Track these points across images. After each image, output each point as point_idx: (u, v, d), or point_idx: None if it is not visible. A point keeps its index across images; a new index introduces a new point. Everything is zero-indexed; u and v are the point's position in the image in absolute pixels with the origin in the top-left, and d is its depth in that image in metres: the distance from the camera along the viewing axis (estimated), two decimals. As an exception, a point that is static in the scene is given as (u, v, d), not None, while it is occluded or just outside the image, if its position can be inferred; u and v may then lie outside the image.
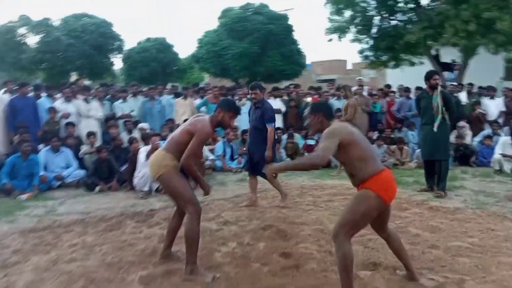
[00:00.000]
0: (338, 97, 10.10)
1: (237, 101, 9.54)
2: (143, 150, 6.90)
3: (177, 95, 9.76)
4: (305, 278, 3.38)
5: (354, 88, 10.13)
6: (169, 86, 11.65)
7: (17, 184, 6.55)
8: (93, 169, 7.17)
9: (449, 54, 15.02)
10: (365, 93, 10.14)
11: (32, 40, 20.66)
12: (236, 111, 3.76)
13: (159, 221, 5.06)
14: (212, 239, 4.32)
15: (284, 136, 9.31)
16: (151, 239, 4.39)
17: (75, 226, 4.89)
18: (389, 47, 15.16)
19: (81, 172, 7.26)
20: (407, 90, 10.10)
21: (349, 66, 48.68)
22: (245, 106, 9.51)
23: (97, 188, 6.81)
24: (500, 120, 9.33)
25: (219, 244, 4.17)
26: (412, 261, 3.53)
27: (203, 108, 9.00)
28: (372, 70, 23.92)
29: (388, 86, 10.75)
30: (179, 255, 3.83)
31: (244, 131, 8.72)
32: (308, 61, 35.09)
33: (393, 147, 8.83)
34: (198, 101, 9.56)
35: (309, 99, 10.01)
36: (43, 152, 7.17)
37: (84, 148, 7.73)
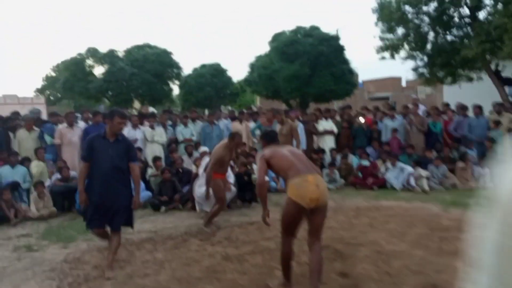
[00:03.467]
0: (391, 116, 10.08)
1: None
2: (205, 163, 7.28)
3: (233, 119, 10.21)
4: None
5: (410, 106, 10.07)
6: (223, 109, 12.16)
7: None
8: (158, 190, 7.71)
9: (510, 69, 14.43)
10: (420, 112, 10.03)
11: (99, 70, 22.47)
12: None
13: (220, 240, 5.36)
14: (271, 257, 4.53)
15: (338, 157, 9.40)
16: (214, 256, 4.69)
17: (145, 244, 5.31)
18: (445, 63, 14.83)
19: (148, 193, 7.80)
20: (464, 108, 9.87)
21: (403, 83, 47.69)
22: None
23: (163, 208, 7.30)
24: None
25: (279, 262, 4.37)
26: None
27: (257, 131, 9.35)
28: (428, 87, 23.35)
29: (447, 105, 10.53)
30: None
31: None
32: (360, 79, 34.91)
33: (460, 164, 8.62)
34: (252, 124, 9.94)
35: (362, 120, 10.05)
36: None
37: (150, 171, 8.30)
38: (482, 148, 8.96)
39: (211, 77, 27.56)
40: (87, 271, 4.38)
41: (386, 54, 15.92)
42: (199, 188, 6.47)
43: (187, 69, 27.21)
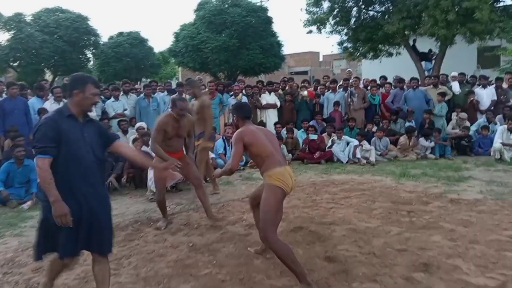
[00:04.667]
0: (333, 90, 10.02)
1: (232, 97, 9.34)
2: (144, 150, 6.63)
3: (170, 92, 9.40)
4: (360, 285, 3.24)
5: (351, 81, 10.07)
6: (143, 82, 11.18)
7: (14, 192, 6.12)
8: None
9: (426, 44, 15.18)
10: (361, 85, 10.09)
11: (3, 37, 19.63)
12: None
13: (180, 227, 4.80)
14: (245, 245, 4.11)
15: (284, 131, 9.14)
16: (179, 248, 4.14)
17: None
18: (368, 38, 15.19)
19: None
20: (401, 81, 10.11)
21: (321, 58, 49.12)
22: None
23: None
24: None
25: (257, 251, 3.96)
26: (458, 258, 3.51)
27: None
28: (343, 61, 24.02)
29: (385, 78, 10.71)
30: None
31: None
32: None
33: (402, 138, 8.80)
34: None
35: (305, 93, 9.86)
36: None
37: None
38: (420, 120, 9.25)
39: (130, 47, 25.70)
40: (27, 276, 3.59)
41: (313, 28, 16.00)
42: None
43: (105, 37, 24.86)
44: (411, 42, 15.15)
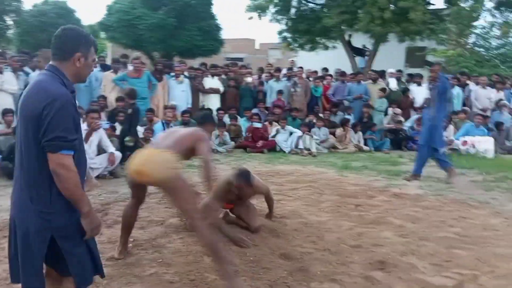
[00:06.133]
0: (277, 78, 9.87)
1: (173, 79, 8.81)
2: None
3: (104, 67, 8.63)
4: (319, 285, 3.08)
5: (295, 70, 9.99)
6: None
7: None
8: (8, 152, 6.01)
9: (360, 39, 15.62)
10: (304, 75, 10.05)
11: None
12: None
13: (117, 219, 4.31)
14: (193, 240, 3.77)
15: (226, 118, 8.82)
16: (118, 244, 3.69)
17: (4, 231, 3.94)
18: (306, 30, 15.30)
19: (-5, 157, 6.02)
20: (343, 74, 10.23)
21: (257, 46, 49.09)
22: (183, 85, 8.82)
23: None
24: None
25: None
26: (412, 256, 3.49)
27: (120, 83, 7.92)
28: (278, 51, 24.08)
29: (326, 69, 10.78)
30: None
31: (184, 112, 8.03)
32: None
33: (339, 130, 8.88)
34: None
35: (249, 79, 9.60)
36: None
37: (-2, 128, 6.42)
38: (360, 114, 9.43)
39: (56, 17, 23.57)
40: None
41: (255, 14, 15.80)
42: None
43: (27, 4, 22.58)
44: (346, 37, 15.47)
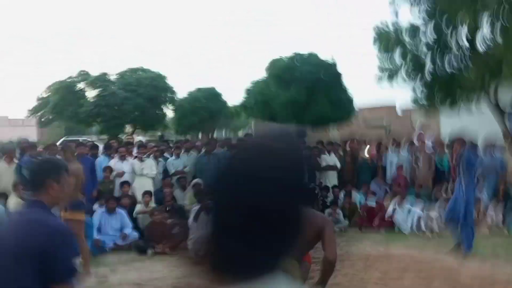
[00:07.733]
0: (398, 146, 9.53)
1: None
2: (193, 210, 6.63)
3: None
4: None
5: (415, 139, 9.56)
6: (217, 133, 11.53)
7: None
8: (147, 232, 7.08)
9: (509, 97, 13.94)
10: (427, 147, 9.50)
11: (90, 94, 21.91)
12: None
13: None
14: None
15: (341, 195, 8.80)
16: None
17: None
18: (444, 93, 14.43)
19: (135, 234, 7.13)
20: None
21: (399, 113, 47.39)
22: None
23: (149, 252, 6.63)
24: None
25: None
26: None
27: None
28: (423, 117, 22.87)
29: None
30: None
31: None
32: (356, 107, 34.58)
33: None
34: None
35: (366, 154, 9.51)
36: (99, 213, 7.13)
37: (138, 208, 7.65)
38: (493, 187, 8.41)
39: (206, 101, 27.11)
40: None
41: (385, 82, 15.67)
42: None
43: (181, 93, 26.76)
44: (493, 101, 13.99)
